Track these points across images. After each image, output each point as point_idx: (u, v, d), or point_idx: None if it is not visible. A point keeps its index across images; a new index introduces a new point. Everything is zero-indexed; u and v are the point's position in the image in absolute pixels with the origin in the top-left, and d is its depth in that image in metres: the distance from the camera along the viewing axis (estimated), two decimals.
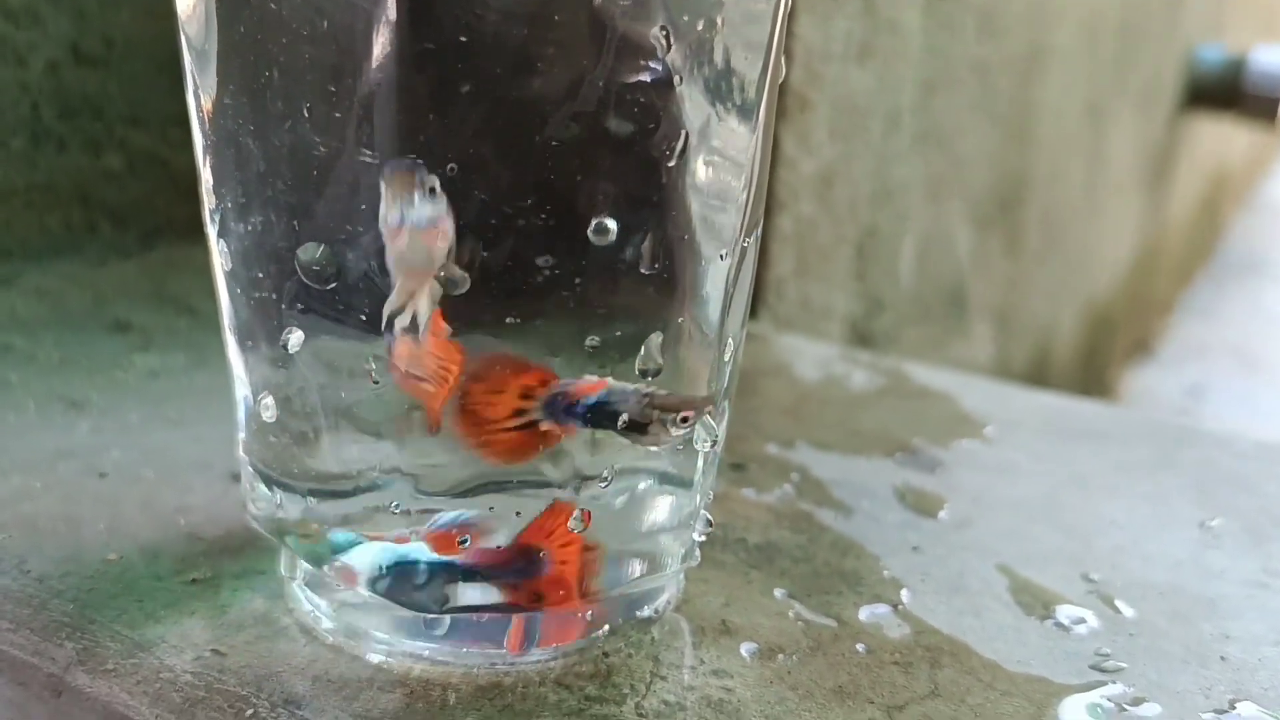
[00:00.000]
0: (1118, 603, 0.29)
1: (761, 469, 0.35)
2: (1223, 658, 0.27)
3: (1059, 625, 0.28)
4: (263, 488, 0.25)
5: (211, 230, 0.24)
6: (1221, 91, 1.70)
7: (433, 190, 0.19)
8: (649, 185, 0.21)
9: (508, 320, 0.21)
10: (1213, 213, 2.28)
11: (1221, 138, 2.09)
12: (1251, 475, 0.37)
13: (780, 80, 0.25)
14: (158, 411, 0.36)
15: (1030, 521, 0.33)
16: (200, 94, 0.23)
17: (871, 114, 0.62)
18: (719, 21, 0.21)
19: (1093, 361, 1.40)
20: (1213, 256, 2.31)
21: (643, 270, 0.22)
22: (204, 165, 0.23)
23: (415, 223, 0.19)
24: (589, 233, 0.21)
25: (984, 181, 0.86)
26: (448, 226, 0.19)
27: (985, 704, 0.24)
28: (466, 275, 0.20)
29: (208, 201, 0.23)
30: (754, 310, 0.53)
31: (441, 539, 0.23)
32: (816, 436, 0.38)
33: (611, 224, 0.21)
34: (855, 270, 0.65)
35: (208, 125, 0.23)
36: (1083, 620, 0.28)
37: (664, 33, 0.20)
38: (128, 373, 0.39)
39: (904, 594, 0.28)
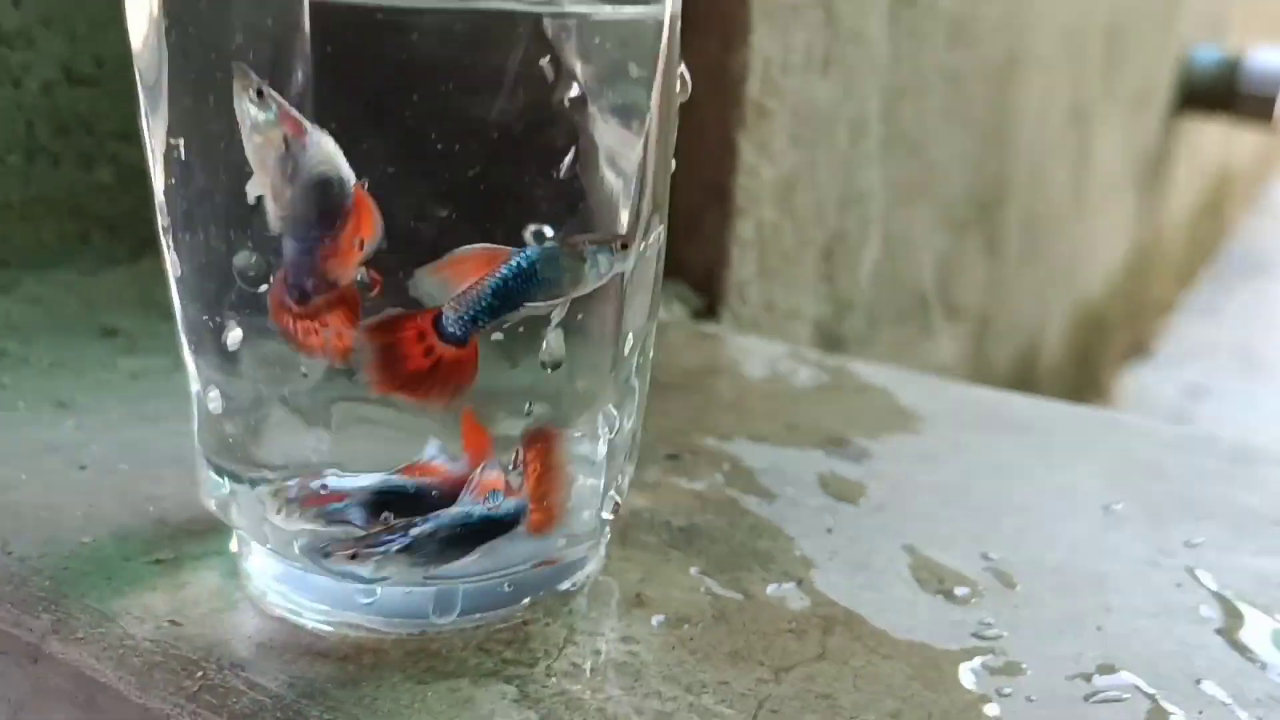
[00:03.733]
0: (1012, 579, 0.31)
1: (695, 459, 0.37)
2: (1099, 627, 0.29)
3: (950, 598, 0.30)
4: (213, 475, 0.27)
5: (165, 241, 0.26)
6: (1217, 93, 1.71)
7: (259, 92, 0.22)
8: (543, 194, 0.24)
9: None
10: (1216, 213, 2.29)
11: (1226, 139, 2.10)
12: (1165, 463, 0.39)
13: (684, 98, 0.27)
14: (138, 410, 0.39)
15: (942, 506, 0.35)
16: (151, 120, 0.25)
17: (836, 121, 0.65)
18: (616, 42, 0.24)
19: (1085, 363, 1.41)
20: (1217, 257, 2.32)
21: None
22: (156, 183, 0.26)
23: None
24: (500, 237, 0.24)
25: (959, 185, 0.88)
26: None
27: (866, 666, 0.27)
28: (380, 278, 0.23)
29: (159, 218, 0.26)
30: (715, 313, 0.55)
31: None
32: (754, 429, 0.40)
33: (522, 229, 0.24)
34: (823, 273, 0.67)
35: (157, 149, 0.25)
36: (974, 595, 0.30)
37: (553, 63, 0.23)
38: (112, 374, 0.42)
39: (811, 571, 0.31)
